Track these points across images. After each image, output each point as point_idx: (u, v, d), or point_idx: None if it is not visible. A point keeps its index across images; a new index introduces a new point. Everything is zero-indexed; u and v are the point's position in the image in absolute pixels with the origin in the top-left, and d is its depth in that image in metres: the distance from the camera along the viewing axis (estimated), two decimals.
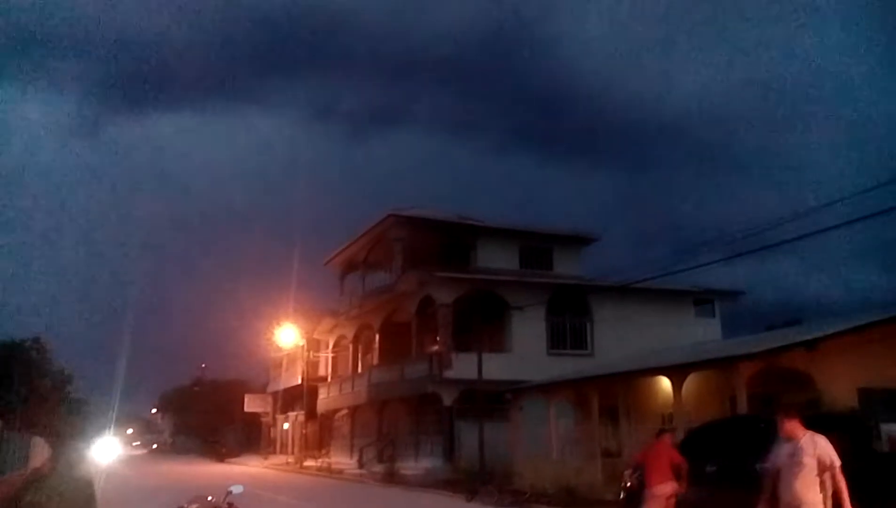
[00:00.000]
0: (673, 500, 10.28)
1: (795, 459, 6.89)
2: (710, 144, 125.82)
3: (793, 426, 7.06)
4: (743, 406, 15.45)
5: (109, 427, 62.46)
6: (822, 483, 6.81)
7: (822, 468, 6.79)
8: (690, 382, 18.13)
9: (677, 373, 18.22)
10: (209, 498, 6.04)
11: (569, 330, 32.90)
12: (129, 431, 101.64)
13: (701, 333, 32.07)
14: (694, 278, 29.26)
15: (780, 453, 7.05)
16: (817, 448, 6.86)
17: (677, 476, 10.29)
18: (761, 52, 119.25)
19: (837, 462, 6.82)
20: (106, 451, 55.45)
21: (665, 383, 19.10)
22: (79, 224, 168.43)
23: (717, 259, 17.76)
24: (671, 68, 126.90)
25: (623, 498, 12.19)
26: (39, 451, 33.93)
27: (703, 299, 35.83)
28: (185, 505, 5.86)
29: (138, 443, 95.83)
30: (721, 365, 17.24)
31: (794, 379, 15.87)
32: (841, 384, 15.43)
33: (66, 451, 49.33)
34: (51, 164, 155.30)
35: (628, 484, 12.39)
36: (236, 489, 6.13)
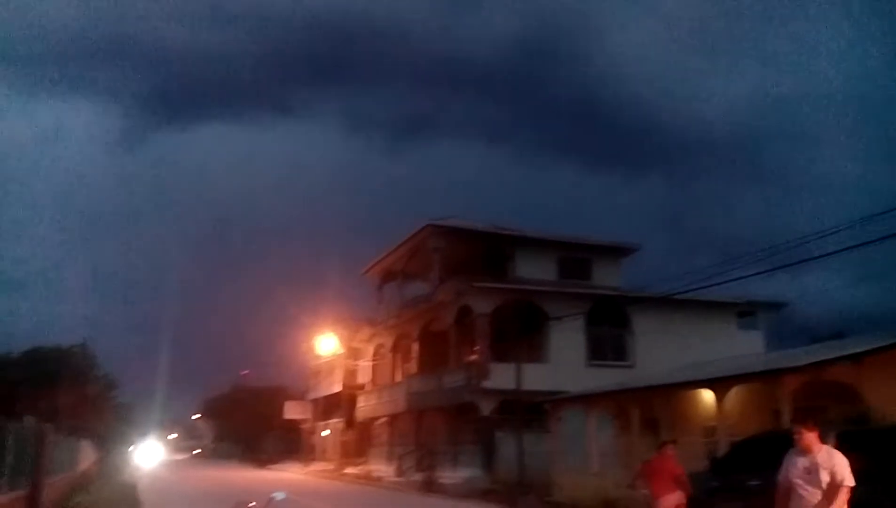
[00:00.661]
0: None
1: (812, 476, 6.42)
2: (753, 154, 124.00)
3: (810, 439, 6.55)
4: (787, 420, 15.20)
5: (153, 432, 63.51)
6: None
7: (833, 486, 6.30)
8: (733, 395, 17.90)
9: (720, 386, 17.99)
10: (251, 504, 6.15)
11: (609, 342, 32.65)
12: (172, 436, 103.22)
13: (744, 345, 31.49)
14: (737, 290, 28.88)
15: (795, 467, 6.56)
16: (834, 465, 6.37)
17: (680, 487, 10.49)
18: (806, 62, 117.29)
19: (850, 483, 6.33)
20: (149, 455, 56.39)
21: (707, 396, 18.89)
22: (123, 233, 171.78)
23: (761, 271, 17.50)
24: (714, 78, 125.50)
25: None
26: (86, 454, 34.66)
27: (746, 312, 35.23)
28: None
29: (181, 448, 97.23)
30: (765, 378, 17.00)
31: (840, 393, 15.58)
32: (891, 399, 15.09)
33: (111, 455, 50.30)
34: (96, 174, 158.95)
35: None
36: (278, 495, 6.23)
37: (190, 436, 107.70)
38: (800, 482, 6.43)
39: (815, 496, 6.32)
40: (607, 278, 36.10)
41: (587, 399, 23.74)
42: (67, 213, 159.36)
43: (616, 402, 22.96)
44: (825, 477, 6.31)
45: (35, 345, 42.45)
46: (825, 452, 6.46)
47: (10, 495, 11.85)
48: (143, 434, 65.70)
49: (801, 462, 6.51)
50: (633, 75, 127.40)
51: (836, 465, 6.35)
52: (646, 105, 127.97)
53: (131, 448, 60.84)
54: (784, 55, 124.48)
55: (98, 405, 47.33)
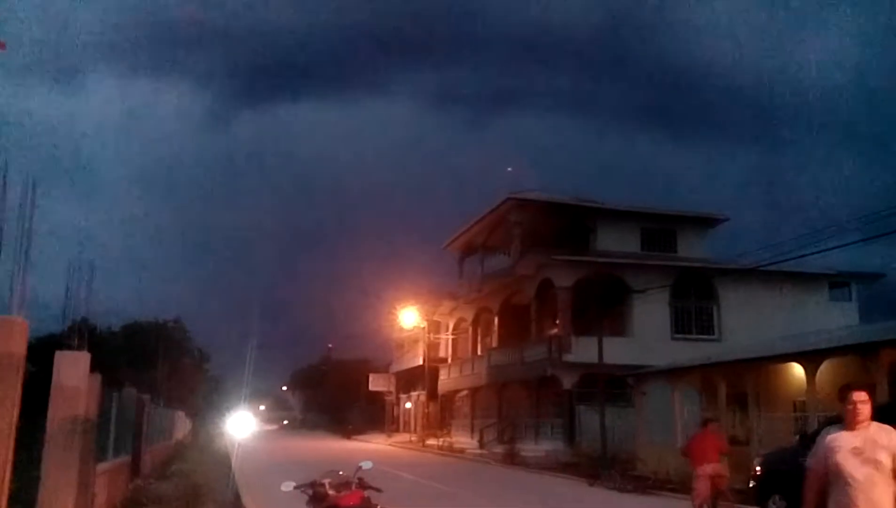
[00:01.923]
0: (719, 479, 11.70)
1: (866, 455, 4.79)
2: (845, 121, 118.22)
3: (861, 410, 4.89)
4: (884, 396, 14.61)
5: (244, 403, 65.73)
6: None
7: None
8: (825, 369, 17.31)
9: (811, 360, 17.43)
10: (340, 473, 6.34)
11: (694, 314, 32.02)
12: (262, 407, 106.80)
13: (837, 318, 30.41)
14: (829, 261, 27.82)
15: (839, 447, 4.87)
16: (892, 441, 4.81)
17: (721, 459, 11.77)
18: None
19: None
20: (241, 426, 58.49)
21: (798, 370, 18.32)
22: (214, 211, 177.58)
23: (853, 241, 16.80)
24: (803, 45, 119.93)
25: (753, 487, 11.86)
26: (181, 424, 36.38)
27: (838, 283, 33.94)
28: (319, 479, 6.18)
29: (270, 419, 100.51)
30: (859, 352, 16.36)
31: None
32: None
33: (204, 425, 52.53)
34: (185, 154, 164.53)
35: (758, 471, 12.03)
36: (366, 465, 6.41)
37: (278, 407, 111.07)
38: (849, 465, 4.80)
39: (871, 481, 4.76)
40: (693, 249, 35.28)
41: (672, 373, 23.36)
42: (160, 191, 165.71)
43: (702, 376, 22.51)
44: (886, 460, 4.76)
45: (133, 320, 44.56)
46: (876, 427, 4.92)
47: (114, 461, 12.56)
48: (235, 406, 68.15)
49: (848, 439, 4.89)
50: (720, 43, 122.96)
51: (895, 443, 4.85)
52: (732, 73, 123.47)
53: (224, 419, 63.31)
54: (874, 16, 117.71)
55: (192, 378, 49.49)
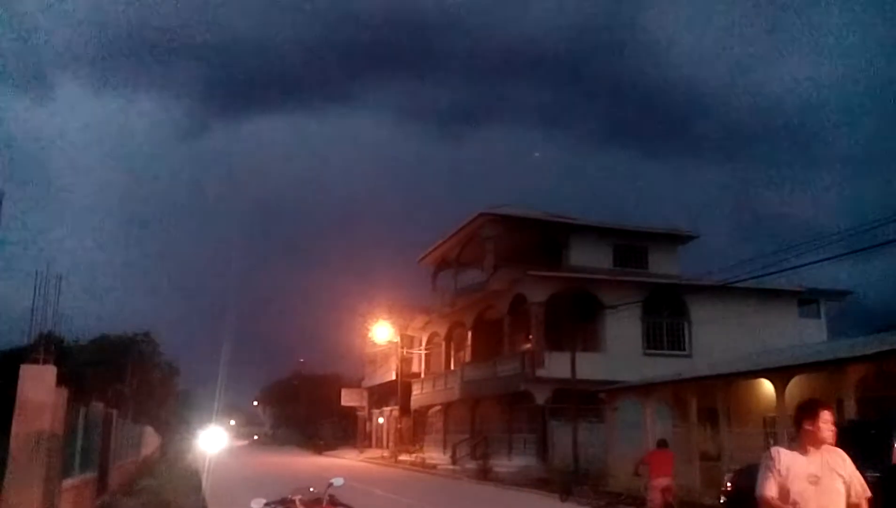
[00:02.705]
0: (668, 491, 13.44)
1: (824, 484, 4.35)
2: (813, 139, 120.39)
3: (831, 431, 4.45)
4: (851, 411, 14.81)
5: (214, 418, 64.88)
6: None
7: (851, 502, 4.41)
8: (794, 385, 17.49)
9: (781, 376, 17.61)
10: (311, 490, 6.27)
11: (665, 330, 32.26)
12: (232, 422, 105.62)
13: (805, 334, 30.82)
14: (798, 278, 28.17)
15: (795, 474, 4.35)
16: (847, 469, 4.44)
17: (671, 475, 13.60)
18: (863, 49, 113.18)
19: (867, 495, 4.46)
20: (212, 441, 57.67)
21: (768, 386, 18.50)
22: (184, 223, 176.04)
23: (821, 258, 17.08)
24: (769, 63, 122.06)
25: (724, 503, 11.94)
26: (150, 439, 35.77)
27: (807, 300, 34.43)
28: (290, 496, 6.10)
29: (240, 434, 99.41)
30: (827, 368, 16.58)
31: None
32: None
33: (173, 440, 51.75)
34: (160, 164, 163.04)
35: (728, 487, 12.11)
36: (337, 481, 6.34)
37: (249, 422, 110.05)
38: (806, 495, 4.30)
39: None
40: (664, 266, 35.60)
41: (644, 389, 23.48)
42: (130, 204, 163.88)
43: (674, 392, 22.66)
44: (841, 488, 4.37)
45: (101, 333, 43.79)
46: (829, 450, 4.46)
47: (81, 477, 12.31)
48: (205, 420, 67.25)
49: (804, 465, 4.38)
50: (691, 63, 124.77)
51: (850, 470, 4.45)
52: (702, 92, 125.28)
53: (193, 434, 62.41)
54: (839, 39, 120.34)
55: (161, 392, 48.77)
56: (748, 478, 11.82)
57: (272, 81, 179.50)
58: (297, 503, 5.93)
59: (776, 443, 16.41)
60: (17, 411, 8.75)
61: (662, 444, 14.49)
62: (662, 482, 13.45)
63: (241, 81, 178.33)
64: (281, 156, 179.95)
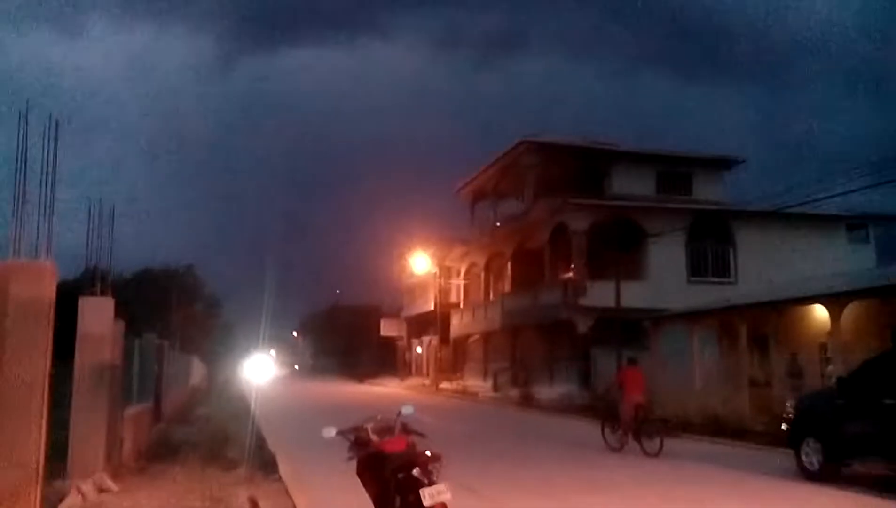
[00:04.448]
0: (640, 408, 14.39)
1: None
2: (860, 60, 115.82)
3: None
4: None
5: (255, 349, 66.06)
6: None
7: None
8: (848, 312, 17.09)
9: (836, 302, 17.19)
10: (380, 418, 6.15)
11: (710, 258, 31.75)
12: (272, 353, 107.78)
13: (854, 260, 30.10)
14: (847, 203, 27.37)
15: None
16: None
17: (643, 392, 14.70)
18: None
19: None
20: (259, 371, 58.65)
21: (819, 312, 18.11)
22: (222, 158, 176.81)
23: (869, 184, 16.49)
24: None
25: (787, 429, 11.69)
26: (197, 370, 36.60)
27: (856, 225, 33.55)
28: (361, 424, 6.00)
29: (280, 364, 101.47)
30: (885, 294, 16.12)
31: None
32: None
33: (219, 370, 53.00)
34: (193, 99, 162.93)
35: (791, 414, 11.87)
36: (406, 409, 6.20)
37: (290, 353, 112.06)
38: None
39: None
40: (709, 192, 34.84)
41: (690, 317, 23.21)
42: (167, 139, 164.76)
43: (720, 319, 22.35)
44: None
45: (145, 266, 44.48)
46: None
47: (139, 406, 12.52)
48: (247, 351, 68.58)
49: None
50: None
51: None
52: (744, 11, 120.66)
53: (239, 365, 63.77)
54: None
55: (205, 324, 49.75)
56: (812, 405, 11.66)
57: (306, 13, 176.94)
58: (370, 431, 5.84)
59: (828, 369, 16.18)
60: (78, 343, 8.80)
61: (633, 362, 15.70)
62: (635, 398, 14.36)
63: (268, 16, 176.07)
64: (317, 88, 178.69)
